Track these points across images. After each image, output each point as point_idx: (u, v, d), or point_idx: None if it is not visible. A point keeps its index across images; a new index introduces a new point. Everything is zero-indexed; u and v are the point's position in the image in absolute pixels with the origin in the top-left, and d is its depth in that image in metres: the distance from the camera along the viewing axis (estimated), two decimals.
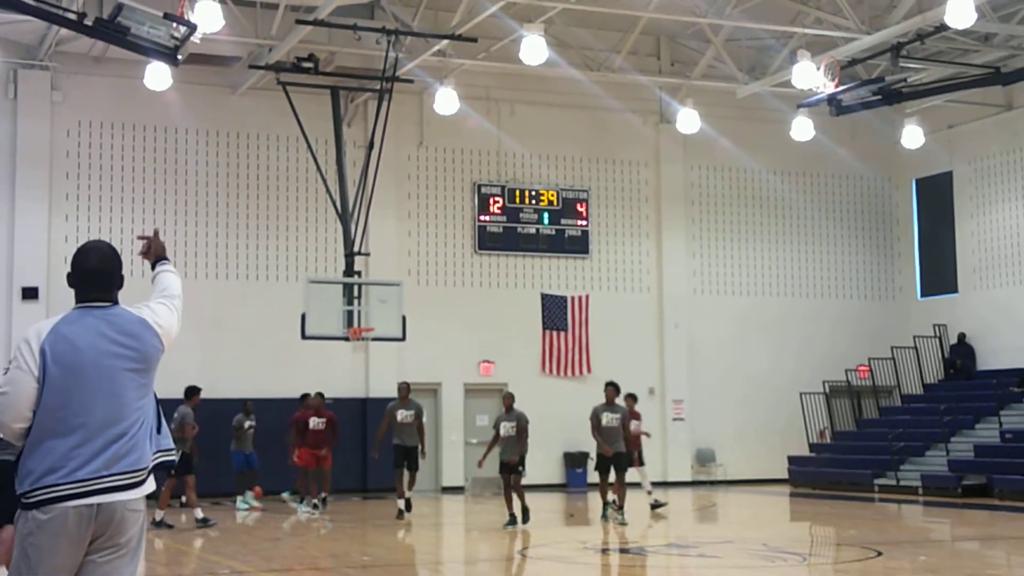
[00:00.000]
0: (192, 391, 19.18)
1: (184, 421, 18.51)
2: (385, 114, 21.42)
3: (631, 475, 18.96)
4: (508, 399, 18.04)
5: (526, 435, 17.55)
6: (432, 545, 15.31)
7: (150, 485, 4.81)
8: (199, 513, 18.10)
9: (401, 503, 19.07)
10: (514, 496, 17.46)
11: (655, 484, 27.29)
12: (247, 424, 22.06)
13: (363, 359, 25.78)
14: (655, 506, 20.81)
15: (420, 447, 19.33)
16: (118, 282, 5.28)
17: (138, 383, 4.84)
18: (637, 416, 20.91)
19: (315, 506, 20.15)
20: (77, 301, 4.97)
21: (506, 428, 17.46)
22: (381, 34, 21.11)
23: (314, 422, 20.58)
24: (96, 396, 4.71)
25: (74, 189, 24.44)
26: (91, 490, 4.61)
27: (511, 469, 17.47)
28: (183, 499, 19.37)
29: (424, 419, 19.73)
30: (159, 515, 17.70)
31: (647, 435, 21.78)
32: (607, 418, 17.97)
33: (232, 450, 22.13)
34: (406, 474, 19.20)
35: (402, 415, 19.26)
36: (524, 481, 18.01)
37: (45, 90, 24.21)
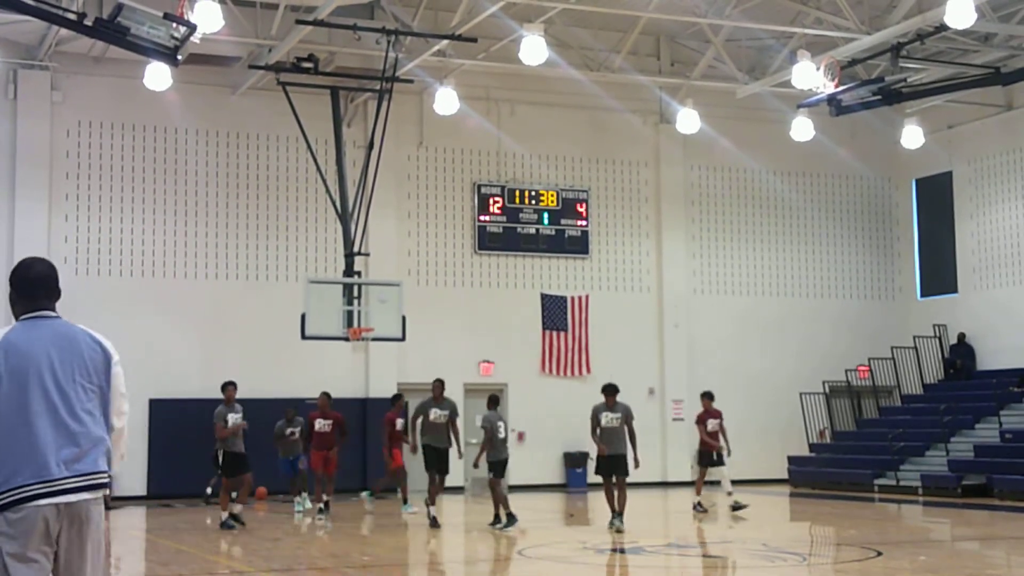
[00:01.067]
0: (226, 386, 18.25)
1: (214, 420, 17.88)
2: (385, 114, 21.42)
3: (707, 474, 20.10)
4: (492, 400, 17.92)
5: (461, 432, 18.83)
6: (432, 545, 15.30)
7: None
8: (224, 515, 17.50)
9: (433, 510, 17.84)
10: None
11: (655, 484, 27.35)
12: (289, 431, 21.56)
13: (363, 359, 25.78)
14: (736, 508, 20.03)
15: (457, 448, 18.18)
16: (59, 293, 5.32)
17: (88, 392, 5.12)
18: (717, 415, 20.45)
19: (320, 510, 19.54)
20: (23, 312, 5.12)
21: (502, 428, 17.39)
22: (381, 34, 21.11)
23: (320, 423, 20.09)
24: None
25: (74, 189, 24.44)
26: (59, 489, 4.83)
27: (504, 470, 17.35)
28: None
29: (458, 419, 18.43)
30: (224, 516, 17.38)
31: (722, 442, 20.50)
32: (607, 419, 17.56)
33: (280, 458, 21.71)
34: (437, 478, 17.96)
35: (435, 414, 17.94)
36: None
37: (45, 90, 24.22)
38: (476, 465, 17.61)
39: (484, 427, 17.48)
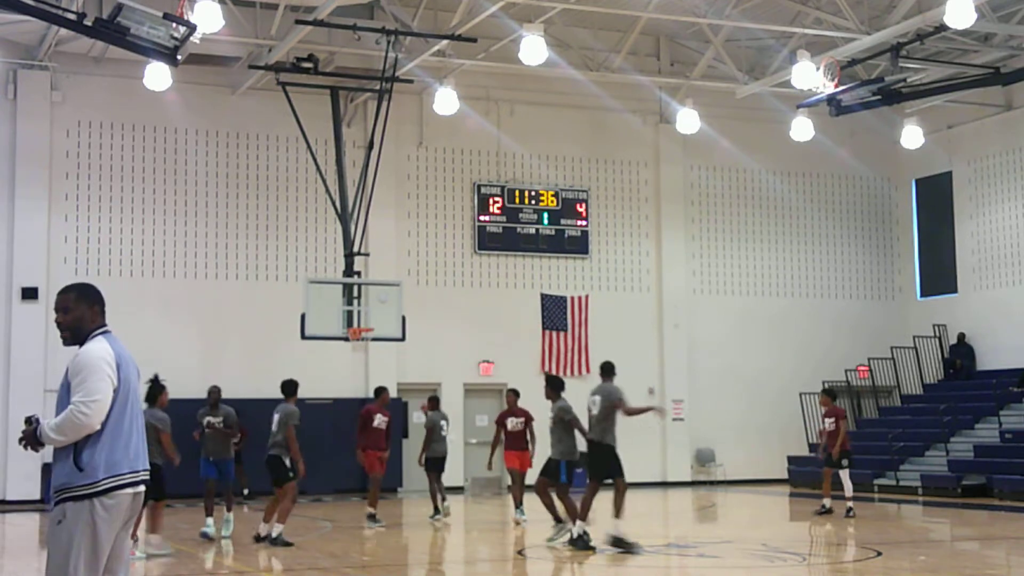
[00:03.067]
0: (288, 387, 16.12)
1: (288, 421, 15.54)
2: (385, 114, 21.42)
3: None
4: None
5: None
6: (432, 545, 15.30)
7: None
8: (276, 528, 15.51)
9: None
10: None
11: (655, 484, 27.34)
12: (207, 420, 20.96)
13: (363, 359, 25.78)
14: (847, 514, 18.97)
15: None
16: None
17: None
18: (835, 413, 19.64)
19: (370, 516, 17.94)
20: (100, 327, 6.08)
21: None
22: (381, 34, 21.11)
23: (379, 420, 17.95)
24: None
25: (74, 189, 24.44)
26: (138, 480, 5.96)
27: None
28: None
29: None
30: (276, 530, 15.26)
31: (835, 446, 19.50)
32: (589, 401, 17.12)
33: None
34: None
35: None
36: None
37: (45, 90, 24.22)
38: (420, 463, 19.13)
39: (427, 426, 19.07)
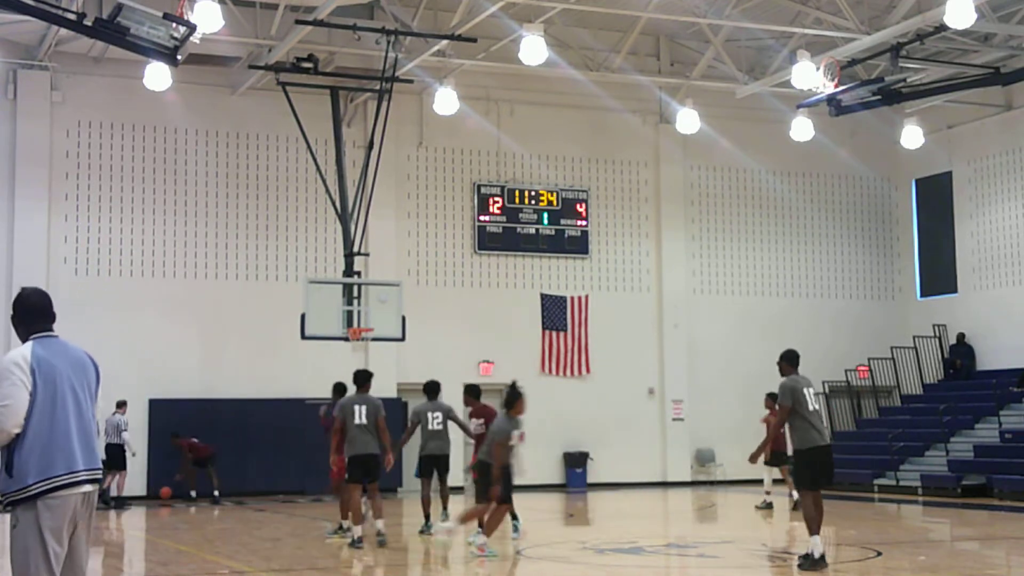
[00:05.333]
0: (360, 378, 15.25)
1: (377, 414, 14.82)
2: (385, 114, 21.42)
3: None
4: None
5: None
6: (432, 545, 15.29)
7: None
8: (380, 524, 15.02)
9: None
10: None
11: (655, 484, 27.35)
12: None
13: (363, 359, 25.75)
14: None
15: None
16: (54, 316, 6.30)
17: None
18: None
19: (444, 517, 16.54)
20: (37, 332, 6.06)
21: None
22: (381, 34, 21.11)
23: (475, 424, 16.59)
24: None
25: (74, 189, 24.44)
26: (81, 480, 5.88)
27: None
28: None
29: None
30: (347, 524, 15.13)
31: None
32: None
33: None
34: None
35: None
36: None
37: (45, 90, 24.22)
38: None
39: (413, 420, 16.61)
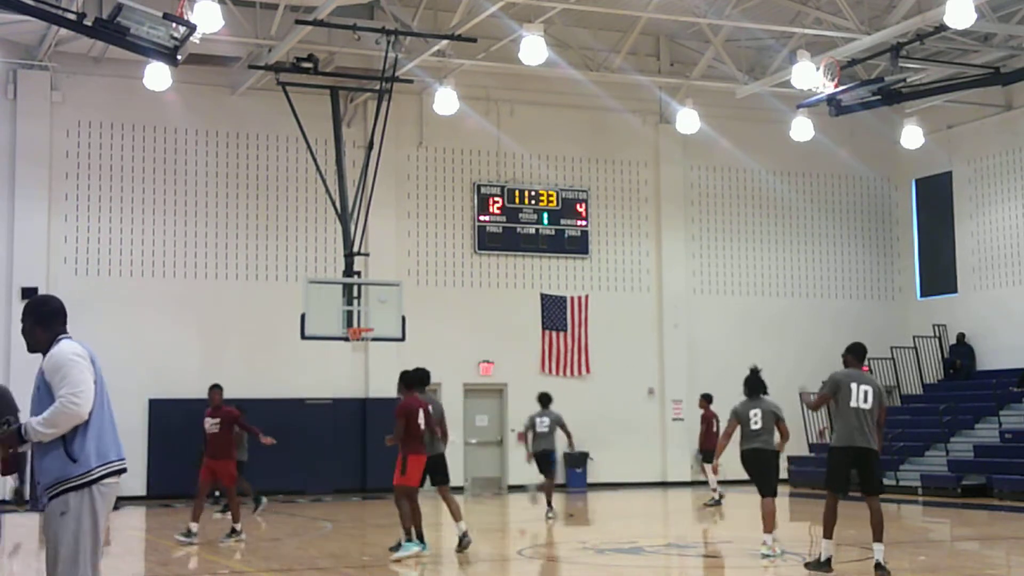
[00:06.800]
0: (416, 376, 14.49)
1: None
2: (385, 114, 21.42)
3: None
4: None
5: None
6: (432, 545, 15.28)
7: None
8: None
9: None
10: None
11: (655, 484, 27.34)
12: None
13: (363, 359, 25.79)
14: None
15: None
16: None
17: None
18: (712, 416, 22.23)
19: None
20: (60, 334, 6.28)
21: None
22: (381, 34, 21.12)
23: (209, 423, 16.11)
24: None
25: (74, 189, 24.44)
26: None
27: None
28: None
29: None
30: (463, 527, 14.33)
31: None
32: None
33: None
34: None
35: (540, 424, 19.84)
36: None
37: (45, 90, 24.22)
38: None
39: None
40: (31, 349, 6.37)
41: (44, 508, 6.03)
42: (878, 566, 11.97)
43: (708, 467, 21.44)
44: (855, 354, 12.33)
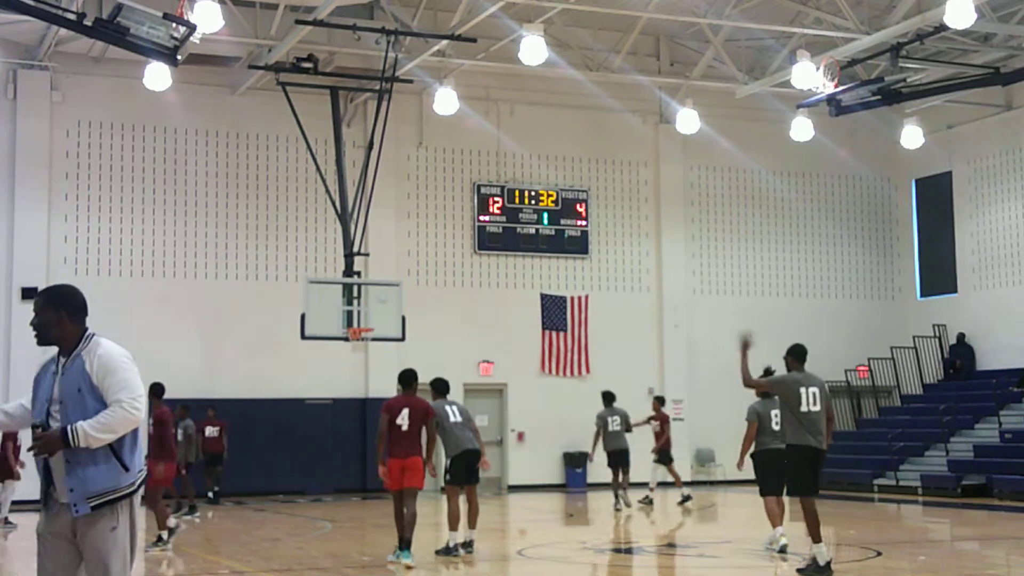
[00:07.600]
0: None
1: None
2: (385, 114, 21.43)
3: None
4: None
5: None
6: (432, 545, 15.27)
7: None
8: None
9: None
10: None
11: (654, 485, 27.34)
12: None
13: (363, 359, 25.79)
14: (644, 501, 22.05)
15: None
16: None
17: None
18: (664, 418, 22.68)
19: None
20: (85, 329, 5.88)
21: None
22: (381, 34, 21.12)
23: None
24: None
25: (73, 189, 24.44)
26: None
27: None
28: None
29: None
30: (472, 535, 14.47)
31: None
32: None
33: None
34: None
35: (612, 423, 20.97)
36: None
37: (45, 90, 24.22)
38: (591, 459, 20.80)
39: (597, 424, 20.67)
40: (49, 342, 5.78)
41: (77, 515, 5.58)
42: (822, 567, 11.73)
43: (660, 468, 22.37)
44: (796, 356, 12.42)
